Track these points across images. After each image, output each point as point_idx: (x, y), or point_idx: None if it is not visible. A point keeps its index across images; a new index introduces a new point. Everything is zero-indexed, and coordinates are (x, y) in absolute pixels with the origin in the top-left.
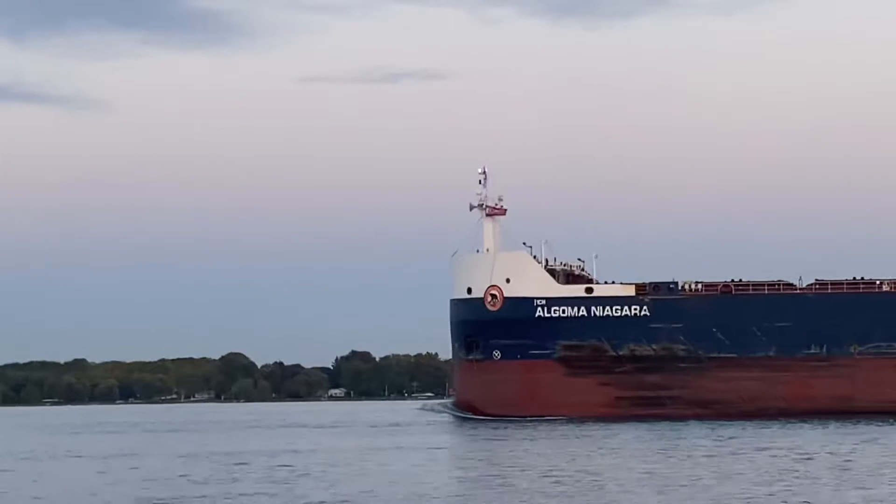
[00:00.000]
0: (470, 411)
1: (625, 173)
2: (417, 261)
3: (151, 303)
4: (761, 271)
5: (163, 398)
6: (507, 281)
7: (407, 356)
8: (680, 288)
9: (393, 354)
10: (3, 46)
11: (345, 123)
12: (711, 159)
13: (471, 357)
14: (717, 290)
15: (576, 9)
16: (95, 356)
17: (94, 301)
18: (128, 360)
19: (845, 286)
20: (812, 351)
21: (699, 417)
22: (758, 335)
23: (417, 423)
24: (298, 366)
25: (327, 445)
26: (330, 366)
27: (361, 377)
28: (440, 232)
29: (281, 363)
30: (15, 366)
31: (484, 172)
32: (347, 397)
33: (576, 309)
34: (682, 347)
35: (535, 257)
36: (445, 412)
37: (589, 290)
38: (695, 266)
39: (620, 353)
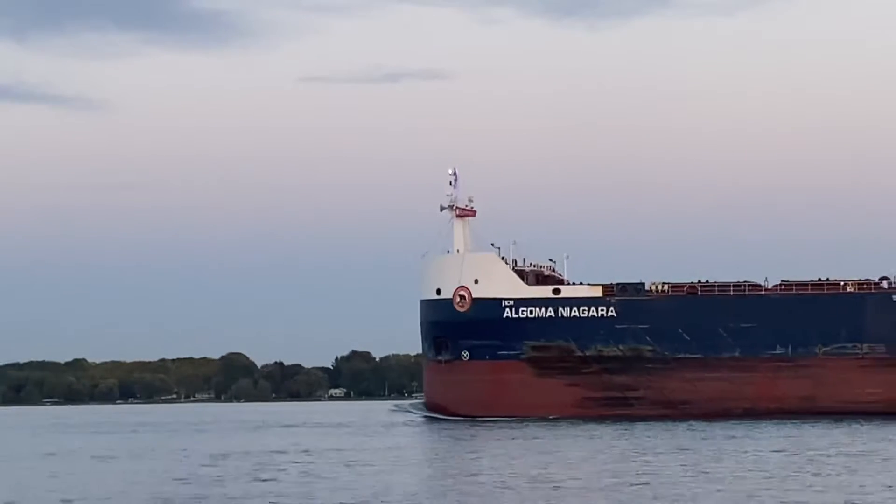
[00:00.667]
0: (440, 412)
1: (621, 173)
2: (419, 261)
3: (151, 303)
4: (734, 272)
5: (163, 398)
6: (476, 282)
7: (407, 356)
8: (647, 289)
9: (393, 354)
10: (4, 46)
11: (345, 123)
12: (702, 159)
13: (440, 358)
14: (683, 290)
15: (576, 9)
16: (95, 356)
17: (94, 301)
18: (128, 360)
19: (810, 287)
20: (777, 351)
21: (665, 418)
22: (723, 336)
23: (375, 424)
24: (298, 366)
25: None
26: (330, 366)
27: (361, 377)
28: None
29: (281, 363)
30: (15, 366)
31: (454, 173)
32: (347, 397)
33: (543, 310)
34: (649, 348)
35: (503, 258)
36: (416, 413)
37: (556, 291)
38: (668, 266)
39: (587, 353)
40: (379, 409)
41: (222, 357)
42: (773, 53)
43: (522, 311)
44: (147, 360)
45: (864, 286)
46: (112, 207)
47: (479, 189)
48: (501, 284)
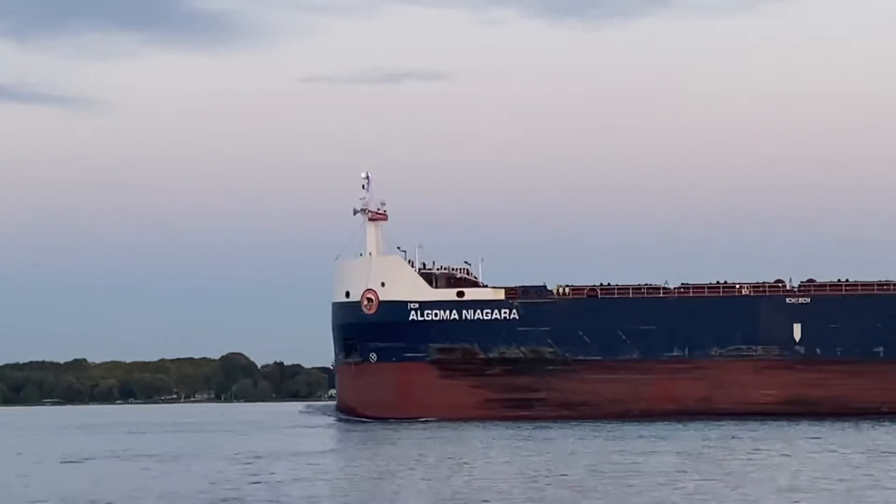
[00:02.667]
0: (349, 413)
1: (609, 175)
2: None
3: (151, 303)
4: (647, 274)
5: (162, 398)
6: (383, 285)
7: None
8: (549, 292)
9: None
10: (5, 47)
11: (346, 124)
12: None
13: (349, 360)
14: (584, 293)
15: (576, 10)
16: (95, 356)
17: (94, 301)
18: (127, 360)
19: (706, 290)
20: (674, 353)
21: (565, 419)
22: (622, 338)
23: (276, 426)
24: (298, 366)
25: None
26: (330, 366)
27: None
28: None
29: (281, 363)
30: (15, 366)
31: (367, 177)
32: None
33: (448, 312)
34: (550, 350)
35: (410, 262)
36: (327, 415)
37: (461, 294)
38: (585, 269)
39: (490, 355)
40: (288, 412)
41: (222, 357)
42: (776, 53)
43: (428, 313)
44: (147, 360)
45: (759, 289)
46: (112, 207)
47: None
48: (407, 287)
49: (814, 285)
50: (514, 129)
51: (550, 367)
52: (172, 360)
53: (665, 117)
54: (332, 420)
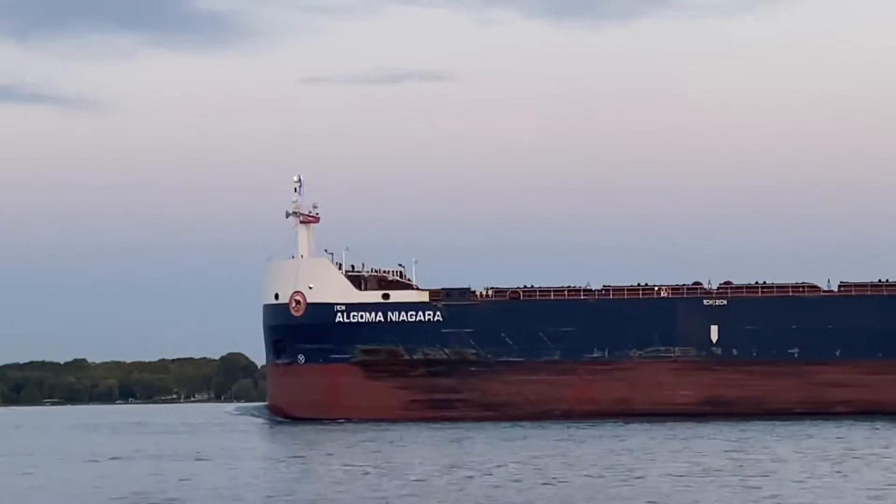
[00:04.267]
0: (279, 414)
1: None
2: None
3: (151, 303)
4: (589, 276)
5: (163, 398)
6: (310, 287)
7: None
8: (473, 294)
9: None
10: (6, 47)
11: (346, 125)
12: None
13: (279, 361)
14: (506, 295)
15: (577, 10)
16: (95, 356)
17: (94, 301)
18: (128, 361)
19: (626, 292)
20: (595, 355)
21: (487, 420)
22: (544, 340)
23: (204, 426)
24: None
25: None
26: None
27: None
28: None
29: None
30: (15, 366)
31: (299, 180)
32: None
33: (373, 314)
34: (473, 352)
35: (338, 264)
36: (258, 415)
37: (386, 297)
38: (525, 270)
39: (414, 357)
40: (218, 412)
41: (222, 357)
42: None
43: (354, 315)
44: (147, 360)
45: (678, 291)
46: (112, 208)
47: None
48: (333, 290)
49: (731, 287)
50: (517, 131)
51: (473, 369)
52: (172, 361)
53: (660, 118)
54: (260, 421)
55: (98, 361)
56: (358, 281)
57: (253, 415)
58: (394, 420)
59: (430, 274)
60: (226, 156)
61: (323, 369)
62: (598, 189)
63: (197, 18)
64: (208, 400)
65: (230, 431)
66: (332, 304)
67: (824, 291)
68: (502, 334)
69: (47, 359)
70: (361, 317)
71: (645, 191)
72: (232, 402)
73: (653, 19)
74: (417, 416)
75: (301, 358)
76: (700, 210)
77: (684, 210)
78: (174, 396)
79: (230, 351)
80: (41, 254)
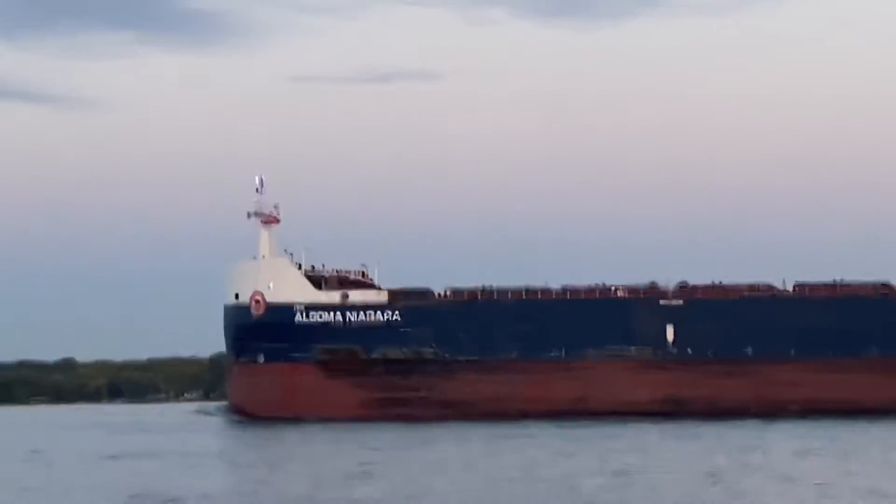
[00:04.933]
0: (239, 413)
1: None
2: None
3: (140, 302)
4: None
5: (152, 398)
6: (270, 287)
7: None
8: (432, 294)
9: None
10: None
11: (337, 123)
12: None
13: (240, 360)
14: (464, 296)
15: (567, 10)
16: (84, 356)
17: (82, 301)
18: (116, 360)
19: (583, 293)
20: (552, 354)
21: (445, 418)
22: (501, 339)
23: (161, 424)
24: None
25: None
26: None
27: None
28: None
29: None
30: (3, 365)
31: (261, 181)
32: None
33: (332, 314)
34: (431, 351)
35: (298, 264)
36: (218, 415)
37: (345, 297)
38: (489, 269)
39: (373, 356)
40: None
41: (211, 357)
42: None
43: (313, 315)
44: (136, 359)
45: (634, 291)
46: (102, 206)
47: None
48: (293, 290)
49: (687, 288)
50: (500, 126)
51: (431, 368)
52: (161, 360)
53: (654, 116)
54: (217, 420)
55: (86, 361)
56: (318, 281)
57: (209, 414)
58: (351, 419)
59: (398, 274)
60: (217, 153)
61: (282, 369)
62: (569, 189)
63: (188, 17)
64: (197, 399)
65: (181, 431)
66: (292, 305)
67: (779, 291)
68: (460, 334)
69: (35, 358)
70: (321, 316)
71: (609, 190)
72: (221, 401)
73: (643, 19)
74: (375, 416)
75: (261, 357)
76: (660, 210)
77: (644, 210)
78: (163, 396)
79: (220, 350)
80: (29, 252)
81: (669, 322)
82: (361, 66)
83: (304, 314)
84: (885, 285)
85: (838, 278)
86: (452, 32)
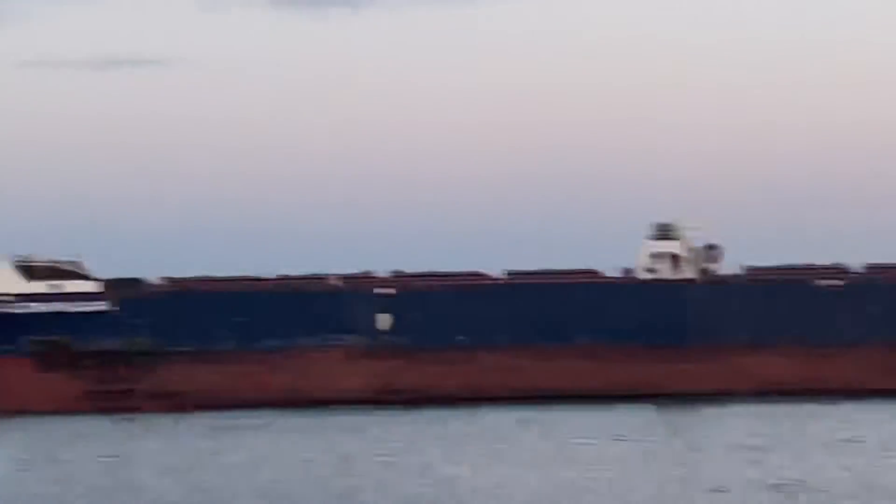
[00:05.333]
0: None
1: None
2: None
3: None
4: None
5: None
6: None
7: None
8: (148, 284)
9: None
10: None
11: (62, 110)
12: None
13: None
14: (180, 286)
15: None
16: None
17: None
18: None
19: (298, 282)
20: (266, 344)
21: (162, 410)
22: (219, 330)
23: None
24: None
25: None
26: None
27: None
28: None
29: None
30: None
31: None
32: None
33: (45, 305)
34: (147, 342)
35: (6, 255)
36: None
37: (56, 287)
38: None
39: (87, 348)
40: None
41: None
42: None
43: (23, 306)
44: None
45: (349, 280)
46: None
47: None
48: (0, 281)
49: (401, 276)
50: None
51: (147, 360)
52: None
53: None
54: None
55: None
56: (28, 271)
57: None
58: (67, 413)
59: (115, 264)
60: None
61: None
62: (283, 175)
63: None
64: None
65: None
66: None
67: (491, 279)
68: (176, 324)
69: None
70: (31, 307)
71: (320, 177)
72: None
73: (373, 10)
74: (91, 408)
75: None
76: (372, 199)
77: (361, 199)
78: None
79: None
80: None
81: (384, 310)
82: (92, 52)
83: (14, 305)
84: (590, 272)
85: (549, 266)
86: (185, 19)
